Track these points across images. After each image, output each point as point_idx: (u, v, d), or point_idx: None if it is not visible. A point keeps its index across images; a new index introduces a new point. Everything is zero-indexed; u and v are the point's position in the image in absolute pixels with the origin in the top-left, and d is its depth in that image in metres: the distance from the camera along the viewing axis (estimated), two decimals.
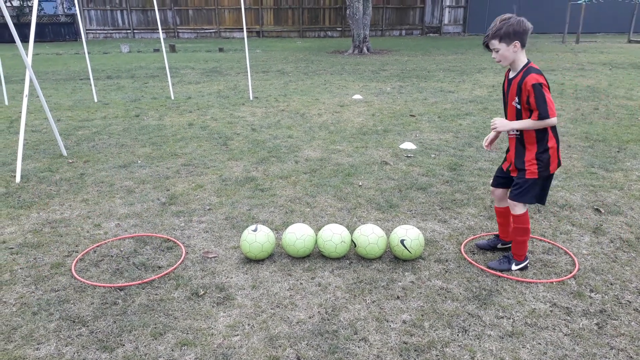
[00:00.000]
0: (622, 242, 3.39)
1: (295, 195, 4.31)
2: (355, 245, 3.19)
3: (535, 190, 2.90)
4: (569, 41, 21.80)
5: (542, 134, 2.81)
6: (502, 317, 2.59)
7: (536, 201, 2.97)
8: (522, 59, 2.79)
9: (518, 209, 2.94)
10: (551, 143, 2.82)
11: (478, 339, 2.42)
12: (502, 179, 3.11)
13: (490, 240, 3.34)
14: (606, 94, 9.00)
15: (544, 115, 2.68)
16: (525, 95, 2.74)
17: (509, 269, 3.02)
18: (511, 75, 2.87)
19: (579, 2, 22.07)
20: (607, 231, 3.56)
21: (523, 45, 2.75)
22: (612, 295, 2.78)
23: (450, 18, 29.30)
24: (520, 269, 3.03)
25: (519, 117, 2.84)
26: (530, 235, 3.48)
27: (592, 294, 2.79)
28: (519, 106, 2.81)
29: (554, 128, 2.83)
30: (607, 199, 4.12)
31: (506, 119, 2.95)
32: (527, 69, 2.75)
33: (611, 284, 2.88)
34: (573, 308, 2.66)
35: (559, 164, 2.91)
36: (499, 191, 3.15)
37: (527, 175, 2.87)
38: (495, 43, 2.74)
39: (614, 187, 4.38)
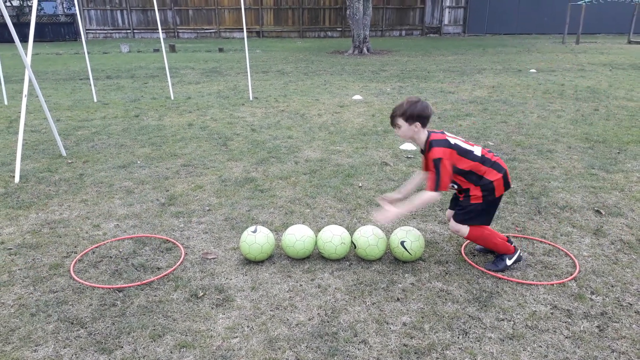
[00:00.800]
0: (623, 244, 3.38)
1: (295, 196, 4.30)
2: (355, 247, 3.17)
3: (480, 213, 3.00)
4: (569, 42, 21.81)
5: (477, 178, 2.93)
6: (503, 320, 2.57)
7: (480, 224, 3.03)
8: (422, 137, 2.97)
9: (463, 230, 3.01)
10: (493, 177, 2.93)
11: (478, 341, 2.41)
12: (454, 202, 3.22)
13: None
14: (606, 95, 8.99)
15: (431, 186, 2.88)
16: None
17: (506, 266, 3.05)
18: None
19: (579, 2, 22.07)
20: (607, 233, 3.54)
21: (424, 127, 2.95)
22: (613, 297, 2.76)
23: (450, 18, 29.31)
24: (515, 261, 3.07)
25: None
26: (527, 236, 3.47)
27: (593, 296, 2.77)
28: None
29: (491, 163, 2.95)
30: (607, 201, 4.11)
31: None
32: (430, 143, 2.93)
33: (612, 286, 2.87)
34: (574, 310, 2.65)
35: (507, 188, 3.00)
36: (449, 212, 3.24)
37: (471, 200, 2.97)
38: (400, 120, 2.95)
39: (614, 189, 4.37)
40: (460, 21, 29.33)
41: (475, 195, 2.95)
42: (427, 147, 2.94)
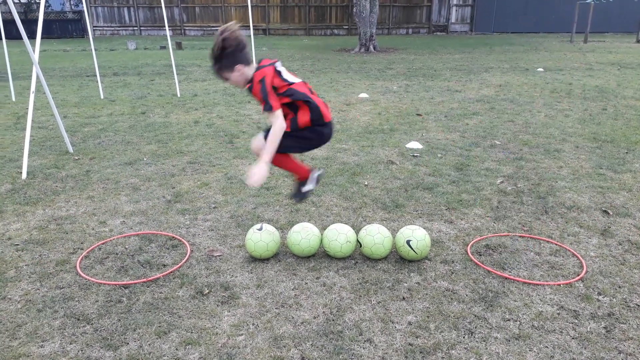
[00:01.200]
0: (631, 245, 3.36)
1: None
2: (360, 245, 3.17)
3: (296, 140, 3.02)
4: (577, 41, 21.67)
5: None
6: (509, 320, 2.56)
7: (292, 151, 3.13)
8: (250, 73, 2.86)
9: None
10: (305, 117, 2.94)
11: (484, 341, 2.40)
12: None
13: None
14: (614, 94, 8.92)
15: (264, 109, 2.82)
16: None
17: (308, 190, 3.27)
18: None
19: (587, 1, 21.92)
20: (615, 233, 3.52)
21: (247, 64, 2.84)
22: (621, 298, 2.75)
23: (457, 17, 29.20)
24: (317, 180, 3.28)
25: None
26: (534, 236, 3.45)
27: (600, 297, 2.76)
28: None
29: (307, 102, 2.91)
30: (615, 201, 4.08)
31: None
32: (255, 69, 2.87)
33: (619, 287, 2.85)
34: (581, 311, 2.63)
35: (319, 124, 3.01)
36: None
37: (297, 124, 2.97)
38: (225, 74, 2.84)
39: (622, 189, 4.34)
40: (468, 19, 29.21)
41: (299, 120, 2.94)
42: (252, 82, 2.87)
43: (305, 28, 28.70)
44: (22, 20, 4.96)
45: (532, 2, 27.70)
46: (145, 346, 2.38)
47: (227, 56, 2.76)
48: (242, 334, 2.47)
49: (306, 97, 2.91)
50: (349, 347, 2.36)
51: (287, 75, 2.94)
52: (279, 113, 2.83)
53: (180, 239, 3.49)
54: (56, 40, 24.64)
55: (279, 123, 2.81)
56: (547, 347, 2.36)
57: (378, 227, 3.18)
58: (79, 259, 3.20)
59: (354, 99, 8.79)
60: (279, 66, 2.94)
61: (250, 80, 2.84)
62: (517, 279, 2.93)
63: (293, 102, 2.91)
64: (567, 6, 25.74)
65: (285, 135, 2.87)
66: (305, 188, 3.26)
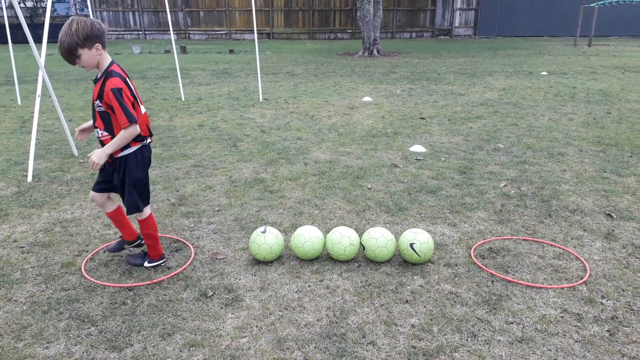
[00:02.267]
0: (635, 248, 3.35)
1: (304, 197, 4.31)
2: (364, 248, 3.18)
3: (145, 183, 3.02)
4: (581, 44, 21.64)
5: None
6: (512, 323, 2.56)
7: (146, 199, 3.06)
8: (105, 62, 2.78)
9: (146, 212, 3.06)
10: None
11: (487, 344, 2.40)
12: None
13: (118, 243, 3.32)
14: (618, 98, 8.91)
15: (124, 122, 2.71)
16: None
17: (142, 265, 3.14)
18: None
19: (591, 5, 21.90)
20: (619, 237, 3.52)
21: (104, 48, 2.75)
22: (624, 301, 2.74)
23: (461, 20, 29.20)
24: (155, 266, 3.15)
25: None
26: (538, 239, 3.45)
27: (604, 300, 2.75)
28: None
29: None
30: (619, 204, 4.08)
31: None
32: (111, 72, 2.74)
33: (623, 290, 2.85)
34: (584, 314, 2.63)
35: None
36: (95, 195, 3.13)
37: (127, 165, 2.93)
38: (79, 50, 2.66)
39: (626, 192, 4.34)
40: (471, 23, 29.21)
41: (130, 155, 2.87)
42: (106, 75, 2.74)
43: (309, 32, 28.76)
44: (28, 25, 5.00)
45: (536, 6, 27.69)
46: (149, 348, 2.40)
47: (93, 35, 2.65)
48: (245, 336, 2.48)
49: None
50: (352, 350, 2.37)
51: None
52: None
53: (185, 241, 3.51)
54: None
55: (137, 129, 2.78)
56: (550, 350, 2.36)
57: (381, 230, 3.18)
58: (84, 261, 3.22)
59: (358, 102, 8.81)
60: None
61: (109, 75, 2.72)
62: (521, 282, 2.93)
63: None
64: (571, 10, 25.73)
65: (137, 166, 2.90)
66: (146, 263, 3.15)
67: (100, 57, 2.74)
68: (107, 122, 2.84)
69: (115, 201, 3.21)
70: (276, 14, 28.40)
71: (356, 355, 2.33)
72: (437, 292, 2.85)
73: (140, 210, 2.99)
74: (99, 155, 2.76)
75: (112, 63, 2.79)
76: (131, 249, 3.34)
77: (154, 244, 3.13)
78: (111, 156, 2.85)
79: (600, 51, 18.70)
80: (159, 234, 3.61)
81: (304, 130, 6.75)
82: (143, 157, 2.95)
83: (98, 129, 2.91)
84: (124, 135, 2.76)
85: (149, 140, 2.98)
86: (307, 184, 4.62)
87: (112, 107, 2.73)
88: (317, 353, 2.35)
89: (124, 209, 3.08)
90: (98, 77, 2.81)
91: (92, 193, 3.12)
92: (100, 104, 2.81)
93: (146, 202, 3.03)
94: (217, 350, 2.38)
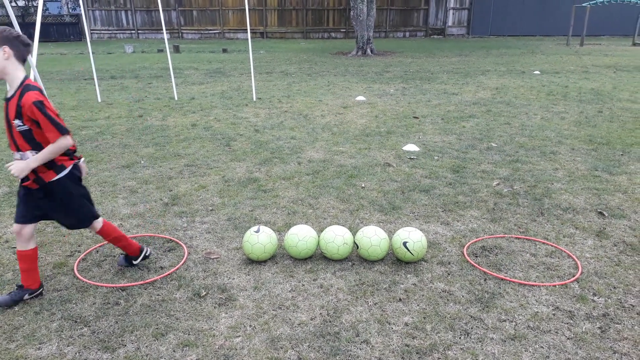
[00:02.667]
0: (626, 246, 3.38)
1: (297, 196, 4.31)
2: (357, 247, 3.18)
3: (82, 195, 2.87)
4: (573, 44, 21.75)
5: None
6: (505, 321, 2.58)
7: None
8: (19, 74, 2.54)
9: (95, 226, 2.93)
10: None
11: (480, 342, 2.42)
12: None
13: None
14: (610, 97, 8.97)
15: (55, 134, 2.52)
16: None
17: (132, 264, 3.12)
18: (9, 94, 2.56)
19: (583, 4, 22.02)
20: (610, 235, 3.54)
21: (18, 59, 2.52)
22: (616, 299, 2.76)
23: (454, 20, 29.26)
24: (141, 259, 3.13)
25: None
26: (530, 237, 3.47)
27: (595, 298, 2.77)
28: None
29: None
30: (610, 203, 4.11)
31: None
32: (26, 86, 2.52)
33: (614, 288, 2.87)
34: (576, 312, 2.65)
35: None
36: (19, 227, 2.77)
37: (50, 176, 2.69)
38: None
39: (617, 191, 4.37)
40: (464, 22, 29.28)
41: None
42: (21, 90, 2.50)
43: (302, 31, 28.73)
44: (19, 24, 4.97)
45: (529, 5, 27.81)
46: (142, 348, 2.39)
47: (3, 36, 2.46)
48: (239, 336, 2.48)
49: None
50: (345, 348, 2.37)
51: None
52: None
53: (178, 241, 3.50)
54: (53, 44, 24.63)
55: (70, 141, 2.59)
56: (542, 347, 2.37)
57: (375, 229, 3.19)
58: (77, 261, 3.21)
59: (351, 101, 8.82)
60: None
61: (25, 89, 2.50)
62: (513, 280, 2.95)
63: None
64: (564, 9, 25.86)
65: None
66: (134, 261, 3.11)
67: (10, 64, 2.49)
68: (32, 139, 2.56)
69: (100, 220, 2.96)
70: (270, 13, 28.35)
71: (350, 354, 2.34)
72: (430, 291, 2.86)
73: (96, 216, 2.87)
74: (20, 169, 2.53)
75: (26, 77, 2.55)
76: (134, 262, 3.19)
77: (126, 244, 3.04)
78: (41, 180, 2.62)
79: (593, 50, 18.81)
80: (152, 234, 3.61)
81: (297, 129, 6.75)
82: (78, 173, 2.80)
83: (21, 152, 2.59)
84: (54, 149, 2.53)
85: (79, 155, 2.80)
86: (300, 183, 4.62)
87: (37, 122, 2.49)
88: (310, 352, 2.35)
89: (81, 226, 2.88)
90: (12, 94, 2.53)
91: (17, 226, 2.71)
92: (21, 123, 2.52)
93: (95, 210, 2.89)
94: (210, 350, 2.37)
